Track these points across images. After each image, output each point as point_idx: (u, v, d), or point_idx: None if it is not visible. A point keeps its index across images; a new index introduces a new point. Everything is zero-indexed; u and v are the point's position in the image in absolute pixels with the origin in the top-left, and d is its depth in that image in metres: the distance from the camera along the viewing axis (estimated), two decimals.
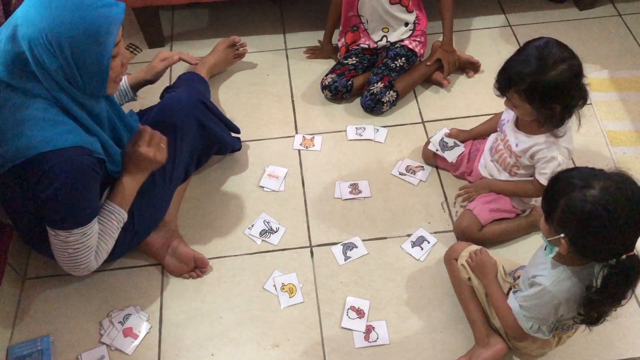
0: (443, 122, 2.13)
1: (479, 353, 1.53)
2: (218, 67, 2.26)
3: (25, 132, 1.27)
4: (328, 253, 1.80)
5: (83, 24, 1.24)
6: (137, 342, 1.63)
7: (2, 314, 1.63)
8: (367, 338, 1.63)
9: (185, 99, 1.73)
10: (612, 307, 1.24)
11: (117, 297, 1.71)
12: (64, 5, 1.23)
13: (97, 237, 1.45)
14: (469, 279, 1.57)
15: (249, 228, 1.86)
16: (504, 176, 1.75)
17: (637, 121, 2.12)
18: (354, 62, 2.20)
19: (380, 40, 2.21)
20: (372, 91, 2.10)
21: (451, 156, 1.90)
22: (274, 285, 1.73)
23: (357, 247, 1.81)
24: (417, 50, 2.20)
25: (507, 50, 2.36)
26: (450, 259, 1.66)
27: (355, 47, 2.25)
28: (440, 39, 2.23)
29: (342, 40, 2.26)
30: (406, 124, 2.15)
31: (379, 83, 2.11)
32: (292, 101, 2.23)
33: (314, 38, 2.45)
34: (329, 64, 2.31)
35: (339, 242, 1.82)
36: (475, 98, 2.22)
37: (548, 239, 1.24)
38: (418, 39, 2.22)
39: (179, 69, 2.30)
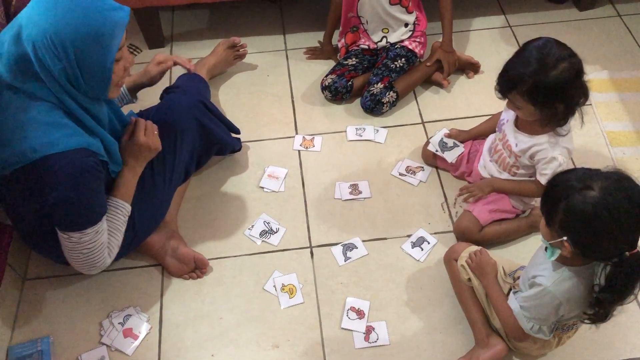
0: (443, 123, 2.13)
1: (479, 354, 1.53)
2: (218, 68, 2.26)
3: (29, 135, 1.27)
4: (328, 254, 1.80)
5: (88, 27, 1.24)
6: (137, 342, 1.63)
7: (2, 315, 1.63)
8: (367, 339, 1.63)
9: (185, 100, 1.73)
10: (620, 304, 1.24)
11: (117, 298, 1.71)
12: (69, 7, 1.23)
13: (107, 233, 1.47)
14: (469, 279, 1.57)
15: (249, 229, 1.86)
16: (504, 176, 1.75)
17: (637, 122, 2.12)
18: (354, 62, 2.20)
19: (380, 41, 2.22)
20: (372, 92, 2.11)
21: (451, 156, 1.90)
22: (274, 286, 1.73)
23: (357, 248, 1.81)
24: (417, 51, 2.20)
25: (507, 50, 2.36)
26: (450, 259, 1.66)
27: (355, 48, 2.25)
28: (440, 39, 2.23)
29: (342, 41, 2.27)
30: (406, 125, 2.15)
31: (379, 84, 2.11)
32: (292, 102, 2.24)
33: (314, 39, 2.45)
34: (329, 64, 2.32)
35: (339, 243, 1.82)
36: (475, 98, 2.22)
37: (550, 242, 1.24)
38: (418, 40, 2.22)
39: (179, 69, 2.29)
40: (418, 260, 1.78)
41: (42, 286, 1.74)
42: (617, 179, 1.14)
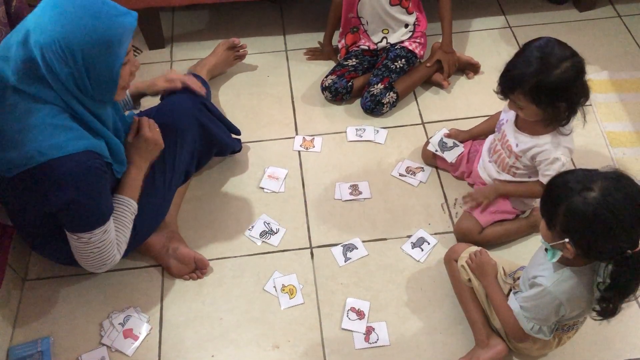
0: (443, 123, 2.13)
1: (479, 354, 1.53)
2: (218, 69, 2.26)
3: (35, 138, 1.28)
4: (328, 254, 1.80)
5: (96, 32, 1.24)
6: (137, 343, 1.63)
7: (2, 315, 1.63)
8: (367, 339, 1.63)
9: (186, 101, 1.73)
10: (627, 300, 1.23)
11: (117, 299, 1.71)
12: (78, 13, 1.24)
13: (115, 230, 1.48)
14: (469, 280, 1.57)
15: (249, 229, 1.86)
16: (504, 177, 1.75)
17: (637, 122, 2.12)
18: (354, 63, 2.20)
19: (380, 41, 2.22)
20: (372, 92, 2.11)
21: (450, 156, 1.90)
22: (274, 287, 1.73)
23: (357, 248, 1.81)
24: (417, 51, 2.20)
25: (507, 51, 2.36)
26: (450, 260, 1.66)
27: (355, 49, 2.25)
28: (440, 40, 2.23)
29: (342, 41, 2.27)
30: (406, 125, 2.15)
31: (379, 84, 2.11)
32: (292, 102, 2.24)
33: (314, 39, 2.45)
34: (329, 65, 2.32)
35: (339, 243, 1.82)
36: (475, 99, 2.22)
37: (551, 244, 1.24)
38: (418, 41, 2.22)
39: (179, 70, 2.30)
40: (418, 261, 1.78)
41: (43, 287, 1.74)
42: (616, 178, 1.14)
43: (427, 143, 1.98)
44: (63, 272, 1.75)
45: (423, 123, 2.16)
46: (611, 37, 2.45)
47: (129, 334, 1.64)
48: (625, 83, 2.26)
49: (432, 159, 1.98)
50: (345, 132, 2.12)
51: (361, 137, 2.10)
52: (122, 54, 1.31)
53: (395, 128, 2.14)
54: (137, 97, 1.76)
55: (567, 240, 1.18)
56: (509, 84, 1.50)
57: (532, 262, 1.41)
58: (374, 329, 1.64)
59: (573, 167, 1.93)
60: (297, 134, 2.13)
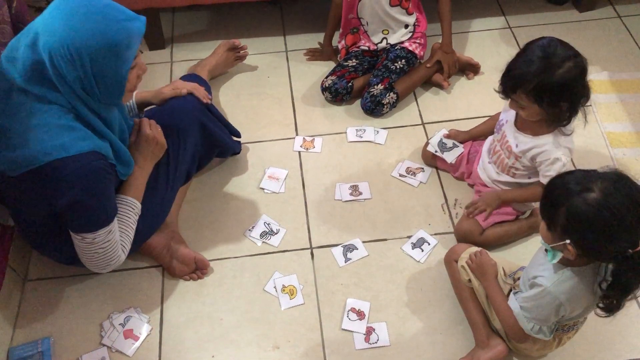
0: (443, 124, 2.13)
1: (479, 354, 1.54)
2: (219, 69, 2.26)
3: (40, 138, 1.28)
4: (328, 255, 1.80)
5: (105, 37, 1.25)
6: (137, 343, 1.63)
7: (3, 316, 1.63)
8: (367, 340, 1.63)
9: (188, 102, 1.73)
10: (630, 298, 1.23)
11: (117, 299, 1.71)
12: (87, 17, 1.24)
13: (119, 231, 1.48)
14: (469, 280, 1.57)
15: (249, 230, 1.86)
16: (503, 178, 1.75)
17: (637, 123, 2.12)
18: (354, 64, 2.21)
19: (380, 42, 2.22)
20: (372, 93, 2.11)
21: (450, 157, 1.90)
22: (275, 287, 1.73)
23: (357, 249, 1.81)
24: (417, 52, 2.21)
25: (507, 52, 2.36)
26: (450, 260, 1.66)
27: (356, 49, 2.25)
28: (440, 41, 2.24)
29: (342, 42, 2.27)
30: (406, 126, 2.15)
31: (379, 85, 2.11)
32: (293, 103, 2.24)
33: (314, 40, 2.45)
34: (329, 65, 2.32)
35: (340, 244, 1.82)
36: (475, 99, 2.22)
37: (551, 246, 1.24)
38: (418, 41, 2.22)
39: (180, 71, 2.30)
40: (418, 261, 1.78)
41: (43, 287, 1.74)
42: (616, 179, 1.14)
43: (427, 144, 1.98)
44: (63, 272, 1.75)
45: (423, 123, 2.16)
46: (611, 38, 2.45)
47: (129, 335, 1.64)
48: (625, 83, 2.26)
49: (432, 160, 1.98)
50: (346, 132, 2.12)
51: (361, 137, 2.11)
52: (130, 58, 1.32)
53: (396, 128, 2.14)
54: (143, 105, 1.76)
55: (568, 241, 1.18)
56: (511, 84, 1.50)
57: (532, 263, 1.41)
58: (374, 330, 1.64)
59: (573, 168, 1.94)
60: (297, 134, 2.13)
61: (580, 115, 1.54)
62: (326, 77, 2.19)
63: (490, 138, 1.82)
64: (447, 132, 1.94)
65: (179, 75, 2.13)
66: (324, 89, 2.18)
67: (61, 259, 1.62)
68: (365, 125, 2.14)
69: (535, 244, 1.78)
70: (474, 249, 1.61)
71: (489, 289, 1.50)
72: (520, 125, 1.65)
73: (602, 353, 1.59)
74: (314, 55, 2.39)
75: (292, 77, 2.33)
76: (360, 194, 1.94)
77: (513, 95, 1.52)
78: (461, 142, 1.92)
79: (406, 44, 2.20)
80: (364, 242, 1.83)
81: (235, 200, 1.93)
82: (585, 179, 1.16)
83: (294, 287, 1.73)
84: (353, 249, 1.81)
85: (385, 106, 2.12)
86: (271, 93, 2.27)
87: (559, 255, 1.24)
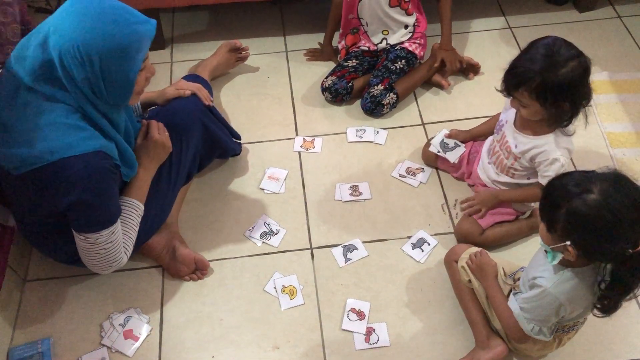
0: (443, 124, 2.13)
1: (479, 355, 1.54)
2: (220, 70, 2.26)
3: (47, 137, 1.28)
4: (328, 255, 1.80)
5: (115, 39, 1.26)
6: (137, 344, 1.63)
7: (3, 316, 1.63)
8: (367, 340, 1.63)
9: (191, 103, 1.74)
10: (627, 298, 1.23)
11: (117, 299, 1.71)
12: (99, 19, 1.25)
13: (122, 232, 1.48)
14: (469, 280, 1.57)
15: (249, 230, 1.86)
16: (503, 178, 1.75)
17: (637, 123, 2.12)
18: (354, 64, 2.21)
19: (380, 42, 2.22)
20: (372, 93, 2.11)
21: (453, 157, 1.90)
22: (275, 287, 1.73)
23: (357, 249, 1.81)
24: (417, 52, 2.21)
25: (507, 52, 2.36)
26: (450, 260, 1.66)
27: (355, 50, 2.26)
28: (440, 41, 2.24)
29: (342, 42, 2.27)
30: (406, 126, 2.15)
31: (379, 85, 2.11)
32: (293, 103, 2.24)
33: (314, 40, 2.45)
34: (329, 66, 2.32)
35: (340, 244, 1.82)
36: (475, 100, 2.22)
37: (551, 247, 1.23)
38: (418, 42, 2.22)
39: (180, 71, 2.30)
40: (418, 262, 1.78)
41: (43, 288, 1.74)
42: (615, 179, 1.14)
43: (428, 144, 1.98)
44: (63, 273, 1.75)
45: (423, 124, 2.16)
46: (611, 38, 2.45)
47: (129, 335, 1.64)
48: (625, 84, 2.26)
49: (432, 160, 1.98)
50: (346, 133, 2.12)
51: (361, 138, 2.11)
52: (140, 61, 1.32)
53: (396, 129, 2.14)
54: (147, 106, 1.77)
55: (568, 243, 1.18)
56: (514, 81, 1.49)
57: (532, 263, 1.41)
58: (374, 330, 1.64)
59: (571, 168, 1.94)
60: (297, 134, 2.13)
61: (581, 116, 1.53)
62: (326, 78, 2.19)
63: (490, 138, 1.82)
64: (448, 132, 1.94)
65: (178, 76, 2.13)
66: (324, 89, 2.18)
67: (62, 259, 1.62)
68: (365, 125, 2.14)
69: (535, 244, 1.78)
70: (474, 249, 1.61)
71: (489, 289, 1.50)
72: (520, 125, 1.65)
73: (602, 353, 1.59)
74: (314, 55, 2.39)
75: (292, 78, 2.33)
76: (360, 194, 1.94)
77: (515, 93, 1.51)
78: (462, 142, 1.92)
79: (406, 45, 2.20)
80: (364, 242, 1.83)
81: (236, 201, 1.94)
82: (584, 180, 1.16)
83: (294, 287, 1.73)
84: (353, 249, 1.81)
85: (385, 106, 2.12)
86: (271, 93, 2.27)
87: (559, 257, 1.24)
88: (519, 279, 1.49)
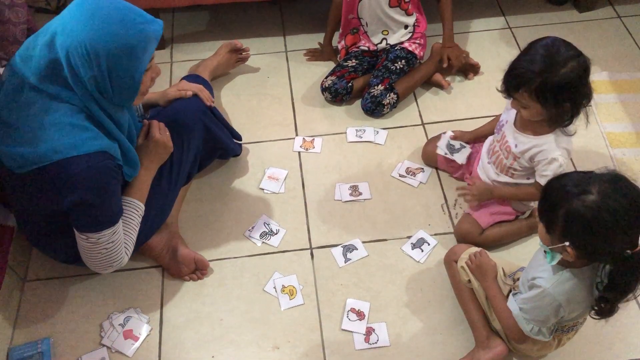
0: (443, 124, 2.13)
1: (479, 355, 1.54)
2: (220, 70, 2.26)
3: (51, 136, 1.28)
4: (328, 255, 1.80)
5: (123, 39, 1.26)
6: (137, 344, 1.63)
7: (2, 316, 1.63)
8: (367, 340, 1.63)
9: (193, 103, 1.74)
10: (624, 300, 1.23)
11: (117, 299, 1.71)
12: (107, 19, 1.25)
13: (123, 232, 1.48)
14: (469, 281, 1.57)
15: (249, 230, 1.86)
16: (502, 178, 1.75)
17: (637, 123, 2.12)
18: (354, 64, 2.21)
19: (380, 42, 2.22)
20: (372, 94, 2.11)
21: (460, 158, 1.89)
22: (274, 287, 1.73)
23: (357, 249, 1.81)
24: (417, 52, 2.21)
25: (507, 52, 2.36)
26: (450, 260, 1.66)
27: (355, 50, 2.26)
28: (440, 41, 2.24)
29: (342, 42, 2.27)
30: (406, 126, 2.15)
31: (380, 85, 2.11)
32: (292, 103, 2.24)
33: (314, 40, 2.45)
34: (329, 66, 2.32)
35: (339, 244, 1.82)
36: (475, 100, 2.22)
37: (550, 248, 1.23)
38: (418, 42, 2.22)
39: (180, 72, 2.30)
40: (418, 262, 1.78)
41: (43, 288, 1.74)
42: (614, 180, 1.14)
43: (427, 144, 1.98)
44: (63, 272, 1.75)
45: (423, 124, 2.16)
46: (611, 38, 2.45)
47: (129, 335, 1.64)
48: (625, 84, 2.26)
49: (432, 160, 1.98)
50: (345, 133, 2.12)
51: (361, 138, 2.11)
52: (146, 61, 1.33)
53: (395, 129, 2.14)
54: (149, 106, 1.77)
55: (567, 243, 1.18)
56: (514, 83, 1.49)
57: (531, 264, 1.41)
58: (374, 330, 1.64)
59: (571, 168, 1.94)
60: (297, 134, 2.13)
61: (582, 115, 1.53)
62: (326, 78, 2.19)
63: (490, 138, 1.82)
64: (453, 134, 1.93)
65: (178, 76, 2.12)
66: (324, 89, 2.18)
67: (62, 258, 1.62)
68: (365, 125, 2.14)
69: (534, 244, 1.78)
70: (474, 249, 1.61)
71: (488, 289, 1.50)
72: (520, 125, 1.64)
73: (602, 353, 1.59)
74: (314, 55, 2.39)
75: (292, 78, 2.33)
76: (360, 194, 1.94)
77: (515, 95, 1.51)
78: (467, 143, 1.92)
79: (406, 45, 2.20)
80: (363, 242, 1.83)
81: (235, 201, 1.94)
82: (583, 181, 1.16)
83: (294, 287, 1.73)
84: (353, 249, 1.81)
85: (385, 107, 2.12)
86: (271, 93, 2.27)
87: (558, 257, 1.24)
88: (518, 279, 1.49)
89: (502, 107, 1.75)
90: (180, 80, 1.93)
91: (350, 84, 2.16)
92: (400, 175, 1.99)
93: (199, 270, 1.75)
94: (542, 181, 1.60)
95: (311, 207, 1.92)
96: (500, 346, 1.53)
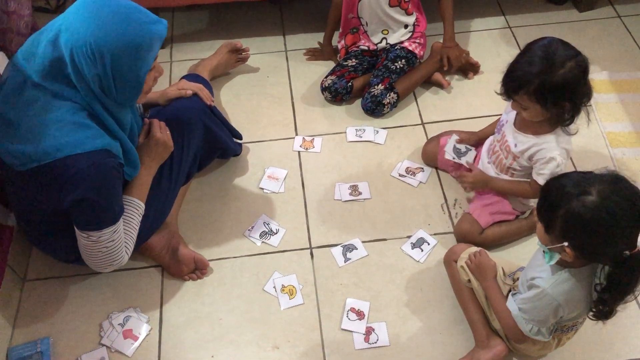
0: (443, 124, 2.13)
1: (479, 355, 1.53)
2: (220, 70, 2.26)
3: (53, 134, 1.28)
4: (328, 254, 1.80)
5: (127, 38, 1.26)
6: (137, 343, 1.63)
7: (2, 316, 1.63)
8: (367, 340, 1.63)
9: (193, 102, 1.74)
10: (622, 302, 1.23)
11: (117, 299, 1.71)
12: (112, 17, 1.25)
13: (123, 231, 1.49)
14: (469, 280, 1.57)
15: (249, 230, 1.86)
16: (502, 178, 1.75)
17: (637, 122, 2.12)
18: (354, 63, 2.20)
19: (380, 42, 2.22)
20: (372, 93, 2.11)
21: (467, 160, 1.89)
22: (274, 287, 1.73)
23: (357, 249, 1.81)
24: (416, 52, 2.21)
25: (507, 52, 2.36)
26: (450, 260, 1.66)
27: (355, 49, 2.25)
28: (440, 40, 2.24)
29: (342, 42, 2.27)
30: (406, 126, 2.15)
31: (380, 85, 2.11)
32: (292, 103, 2.24)
33: (313, 40, 2.45)
34: (329, 65, 2.32)
35: (339, 244, 1.82)
36: (475, 99, 2.22)
37: (549, 247, 1.23)
38: (418, 41, 2.22)
39: (180, 71, 2.30)
40: (418, 261, 1.78)
41: (42, 287, 1.74)
42: (613, 181, 1.14)
43: (427, 143, 1.98)
44: (63, 272, 1.75)
45: (423, 123, 2.16)
46: (611, 38, 2.45)
47: (128, 335, 1.64)
48: (625, 84, 2.26)
49: (432, 160, 1.98)
50: (345, 132, 2.12)
51: (361, 137, 2.11)
52: (150, 60, 1.33)
53: (395, 128, 2.14)
54: (149, 106, 1.77)
55: (566, 244, 1.18)
56: (513, 85, 1.49)
57: (531, 264, 1.41)
58: (373, 330, 1.64)
59: (571, 168, 1.94)
60: (297, 134, 2.13)
61: (583, 114, 1.53)
62: (326, 77, 2.19)
63: (490, 138, 1.82)
64: (458, 138, 1.92)
65: (178, 75, 2.12)
66: (324, 89, 2.18)
67: (62, 257, 1.62)
68: (364, 125, 2.14)
69: (534, 244, 1.76)
70: (474, 249, 1.61)
71: (488, 289, 1.50)
72: (520, 125, 1.64)
73: (601, 353, 1.59)
74: (314, 55, 2.39)
75: (292, 77, 2.33)
76: (360, 193, 1.94)
77: (515, 97, 1.51)
78: (473, 145, 1.91)
79: (406, 44, 2.20)
80: (363, 242, 1.83)
81: (235, 201, 1.93)
82: (582, 181, 1.15)
83: (294, 287, 1.73)
84: (353, 249, 1.81)
85: (385, 106, 2.12)
86: (271, 93, 2.27)
87: (557, 257, 1.24)
88: (518, 279, 1.49)
89: (502, 107, 1.75)
90: (180, 79, 1.93)
91: (350, 84, 2.16)
92: (400, 175, 1.99)
93: (199, 269, 1.75)
94: (539, 179, 1.60)
95: (311, 206, 1.92)
96: (500, 346, 1.53)
